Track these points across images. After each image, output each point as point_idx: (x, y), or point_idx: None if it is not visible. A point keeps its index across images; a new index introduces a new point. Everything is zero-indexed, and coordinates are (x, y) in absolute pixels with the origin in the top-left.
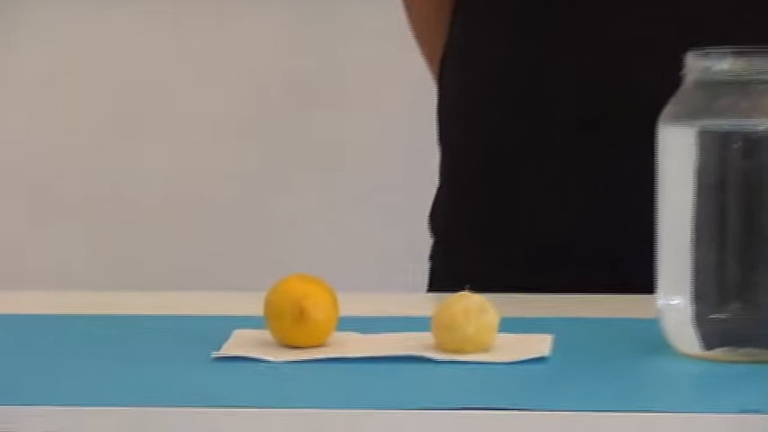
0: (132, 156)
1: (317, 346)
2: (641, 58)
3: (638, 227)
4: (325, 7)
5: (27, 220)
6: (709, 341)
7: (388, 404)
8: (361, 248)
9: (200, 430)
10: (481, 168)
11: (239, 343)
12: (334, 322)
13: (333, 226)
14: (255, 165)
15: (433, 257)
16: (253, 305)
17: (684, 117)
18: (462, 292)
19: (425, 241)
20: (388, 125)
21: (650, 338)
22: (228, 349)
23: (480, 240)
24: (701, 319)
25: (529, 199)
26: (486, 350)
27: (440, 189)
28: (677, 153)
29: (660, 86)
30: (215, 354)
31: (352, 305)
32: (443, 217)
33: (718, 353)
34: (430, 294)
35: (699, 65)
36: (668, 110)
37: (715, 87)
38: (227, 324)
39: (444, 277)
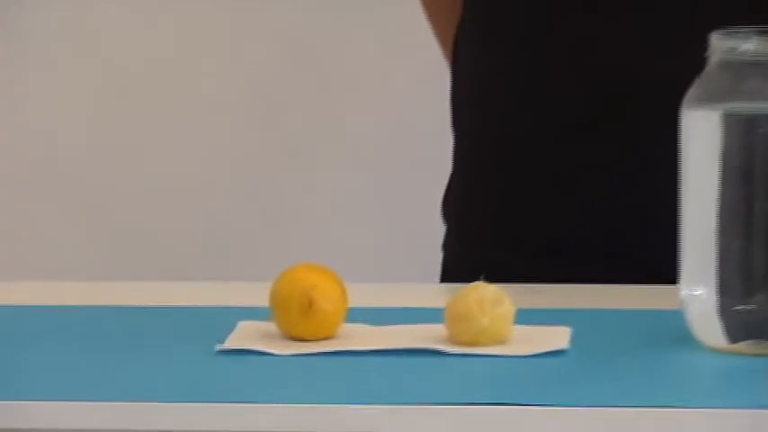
0: (131, 143)
1: (325, 339)
2: (649, 49)
3: (658, 215)
4: None
5: (22, 210)
6: (734, 333)
7: (398, 399)
8: (371, 237)
9: (203, 426)
10: (493, 154)
11: (244, 335)
12: (343, 314)
13: (341, 213)
14: (260, 152)
15: (445, 246)
16: (258, 296)
17: (708, 100)
18: (477, 282)
19: (438, 229)
20: (399, 111)
21: (672, 331)
22: (233, 342)
23: (494, 228)
24: (725, 311)
25: (542, 186)
26: (501, 343)
27: (453, 175)
28: (701, 138)
29: (678, 73)
30: (219, 346)
31: (362, 296)
32: (456, 203)
33: (743, 346)
34: (443, 285)
35: (723, 45)
36: (691, 93)
37: (740, 69)
38: (232, 315)
39: (457, 267)
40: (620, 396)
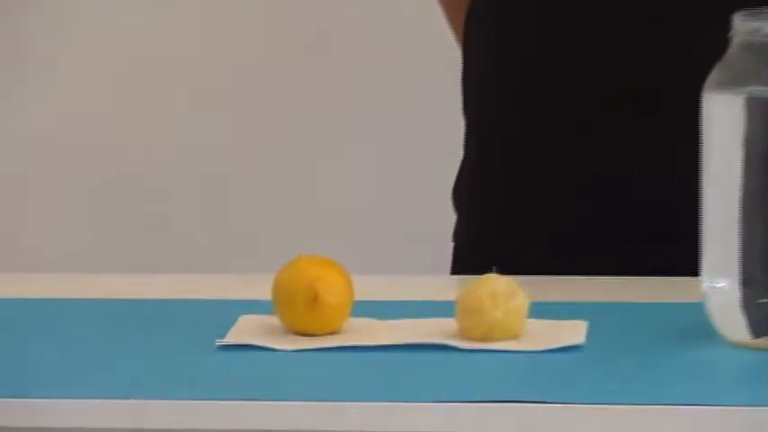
0: (132, 135)
1: (330, 334)
2: (664, 30)
3: (672, 205)
4: None
5: (21, 203)
6: (758, 328)
7: (406, 397)
8: (378, 226)
9: (203, 424)
10: (503, 139)
11: (245, 330)
12: (349, 307)
13: (346, 201)
14: (263, 138)
15: (456, 236)
16: (260, 288)
17: (731, 83)
18: (489, 274)
19: (448, 219)
20: (410, 98)
21: (693, 325)
22: (233, 337)
23: (504, 216)
24: (748, 304)
25: (552, 172)
26: (514, 337)
27: (464, 162)
28: (723, 122)
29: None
30: (219, 342)
31: (368, 288)
32: (467, 191)
33: (767, 340)
34: (453, 277)
35: (747, 26)
36: (713, 76)
37: (764, 51)
38: (233, 309)
39: (469, 257)
40: (638, 393)
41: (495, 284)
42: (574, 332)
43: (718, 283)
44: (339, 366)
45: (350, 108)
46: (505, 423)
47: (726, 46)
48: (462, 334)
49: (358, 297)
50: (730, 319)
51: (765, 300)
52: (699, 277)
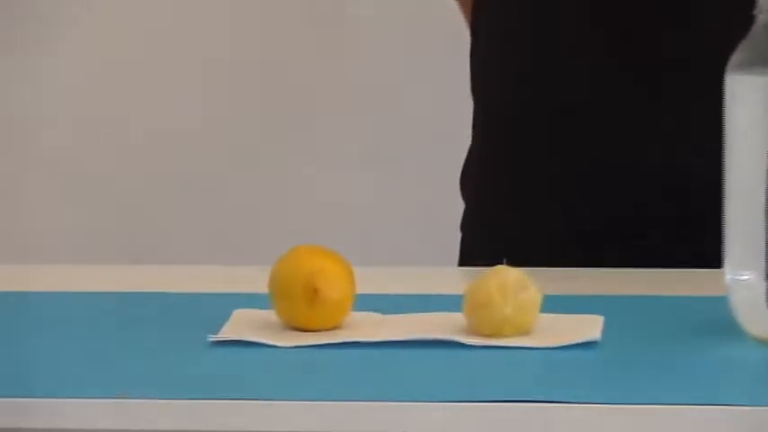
0: (129, 127)
1: (331, 329)
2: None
3: (687, 191)
4: None
5: (20, 195)
6: None
7: (411, 396)
8: (381, 216)
9: (195, 424)
10: (509, 122)
11: (239, 325)
12: (351, 301)
13: (348, 190)
14: (261, 128)
15: (464, 226)
16: (256, 281)
17: (755, 64)
18: (499, 267)
19: (456, 208)
20: (415, 85)
21: (716, 319)
22: (227, 332)
23: (512, 205)
24: None
25: (561, 155)
26: (526, 333)
27: (471, 148)
28: (747, 105)
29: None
30: (212, 337)
31: (371, 281)
32: (475, 177)
33: None
34: (461, 268)
35: None
36: (736, 57)
37: None
38: (227, 303)
39: (478, 249)
40: (657, 393)
41: (506, 277)
42: (589, 327)
43: (742, 275)
44: (340, 364)
45: (357, 90)
46: (515, 424)
47: (726, 31)
48: (470, 329)
49: (360, 290)
50: (755, 314)
51: None
52: (721, 269)
